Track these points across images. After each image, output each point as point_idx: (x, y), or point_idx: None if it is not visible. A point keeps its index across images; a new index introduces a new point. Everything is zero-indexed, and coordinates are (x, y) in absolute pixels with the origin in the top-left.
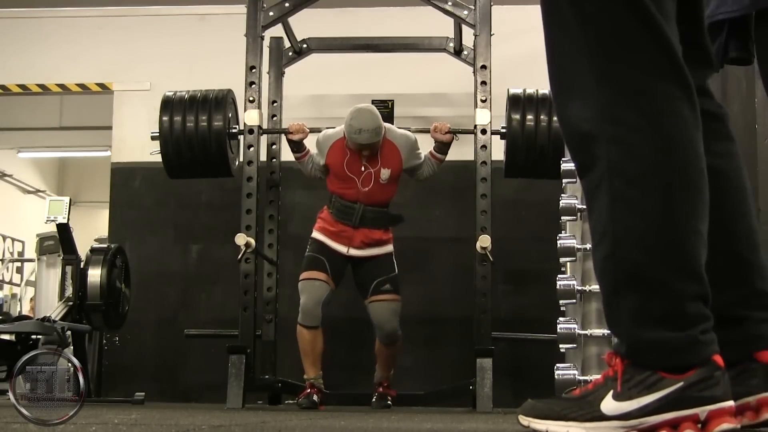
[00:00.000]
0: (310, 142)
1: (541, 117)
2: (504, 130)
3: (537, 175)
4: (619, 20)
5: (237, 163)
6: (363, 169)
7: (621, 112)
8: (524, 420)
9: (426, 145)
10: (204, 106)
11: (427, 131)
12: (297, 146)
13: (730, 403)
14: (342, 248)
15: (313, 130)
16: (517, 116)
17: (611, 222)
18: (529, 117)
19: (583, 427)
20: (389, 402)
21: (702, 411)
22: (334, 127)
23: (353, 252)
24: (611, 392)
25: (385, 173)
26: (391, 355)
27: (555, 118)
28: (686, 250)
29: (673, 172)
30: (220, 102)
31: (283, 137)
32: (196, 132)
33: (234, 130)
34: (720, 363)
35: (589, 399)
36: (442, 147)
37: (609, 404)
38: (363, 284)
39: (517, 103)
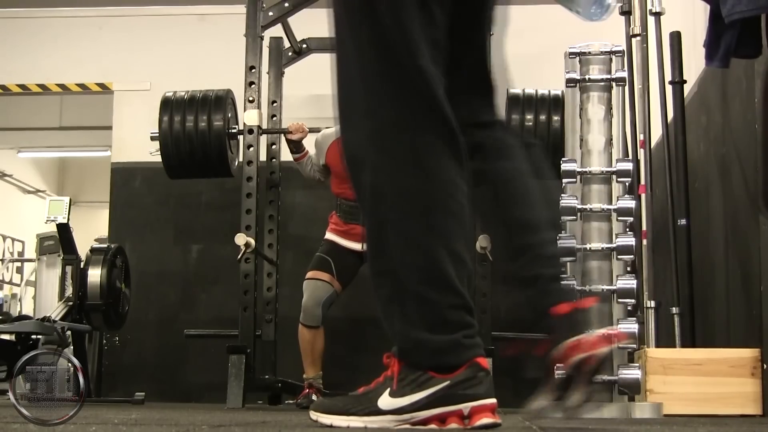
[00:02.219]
0: (310, 143)
1: (540, 117)
2: None
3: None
4: (385, 61)
5: (237, 163)
6: None
7: (382, 143)
8: (314, 415)
9: None
10: (204, 106)
11: None
12: (296, 146)
13: (492, 400)
14: (356, 245)
15: (312, 130)
16: (516, 116)
17: (381, 241)
18: (528, 117)
19: (362, 421)
20: None
21: (466, 407)
22: (332, 127)
23: None
24: (388, 390)
25: None
26: None
27: (555, 118)
28: (441, 267)
29: (428, 198)
30: (219, 102)
31: (283, 137)
32: (196, 132)
33: (234, 130)
34: (484, 365)
35: (370, 396)
36: None
37: (385, 400)
38: None
39: (516, 102)
